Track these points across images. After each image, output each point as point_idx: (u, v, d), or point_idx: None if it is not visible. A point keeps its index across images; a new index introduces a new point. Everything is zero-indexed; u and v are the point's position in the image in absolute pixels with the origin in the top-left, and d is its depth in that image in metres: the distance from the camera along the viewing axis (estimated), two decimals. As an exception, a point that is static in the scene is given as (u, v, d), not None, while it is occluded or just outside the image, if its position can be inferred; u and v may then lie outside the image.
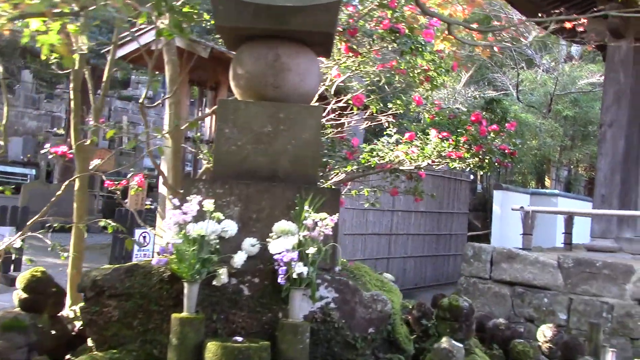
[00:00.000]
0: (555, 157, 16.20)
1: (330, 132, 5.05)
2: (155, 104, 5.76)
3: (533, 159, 15.17)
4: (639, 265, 7.10)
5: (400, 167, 4.99)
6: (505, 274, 7.76)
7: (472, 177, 16.52)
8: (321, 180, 4.57)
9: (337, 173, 4.60)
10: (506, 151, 4.67)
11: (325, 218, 3.08)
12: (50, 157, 4.99)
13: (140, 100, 4.62)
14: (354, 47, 4.41)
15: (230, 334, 3.07)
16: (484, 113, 13.99)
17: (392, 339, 3.36)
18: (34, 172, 19.27)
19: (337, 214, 3.21)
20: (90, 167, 4.60)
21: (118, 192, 4.71)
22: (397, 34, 4.28)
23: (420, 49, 4.29)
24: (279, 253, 2.99)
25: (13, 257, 7.54)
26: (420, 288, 10.75)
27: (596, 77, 17.26)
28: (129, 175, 5.01)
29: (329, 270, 3.27)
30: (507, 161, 4.83)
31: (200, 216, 3.12)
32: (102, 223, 4.12)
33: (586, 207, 17.97)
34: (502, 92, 19.05)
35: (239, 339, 2.94)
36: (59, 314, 3.63)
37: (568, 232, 9.40)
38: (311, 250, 3.02)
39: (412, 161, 4.89)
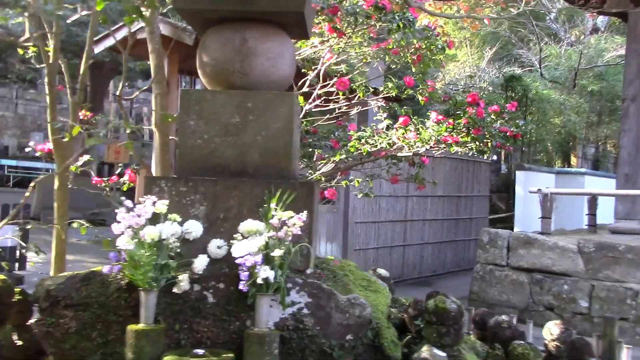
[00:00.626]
0: (582, 134, 15.59)
1: (328, 120, 4.77)
2: (133, 96, 5.49)
3: (558, 137, 14.61)
4: (664, 248, 6.69)
5: (399, 154, 4.68)
6: (522, 260, 7.41)
7: (495, 157, 16.04)
8: (309, 172, 4.29)
9: (326, 163, 4.31)
10: (507, 133, 4.31)
11: (293, 217, 2.80)
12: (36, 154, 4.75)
13: (118, 93, 4.38)
14: (338, 27, 4.09)
15: (194, 344, 2.82)
16: (505, 91, 13.52)
17: (377, 345, 3.07)
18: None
19: (308, 212, 2.93)
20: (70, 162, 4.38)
21: (107, 189, 4.50)
22: (384, 11, 3.94)
23: (408, 27, 3.94)
24: (242, 257, 2.72)
25: (17, 255, 7.44)
26: (439, 275, 10.43)
27: (623, 50, 16.50)
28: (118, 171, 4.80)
29: (301, 272, 3.00)
30: (509, 144, 4.47)
31: (160, 218, 2.88)
32: (74, 224, 3.91)
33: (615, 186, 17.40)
34: (527, 68, 18.45)
35: (200, 351, 2.70)
36: (26, 323, 3.43)
37: (592, 214, 8.98)
38: (277, 252, 2.75)
39: (410, 147, 4.57)
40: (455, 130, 4.25)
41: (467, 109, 4.24)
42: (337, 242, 8.39)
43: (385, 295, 3.45)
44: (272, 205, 2.89)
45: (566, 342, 3.59)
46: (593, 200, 8.87)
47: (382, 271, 4.10)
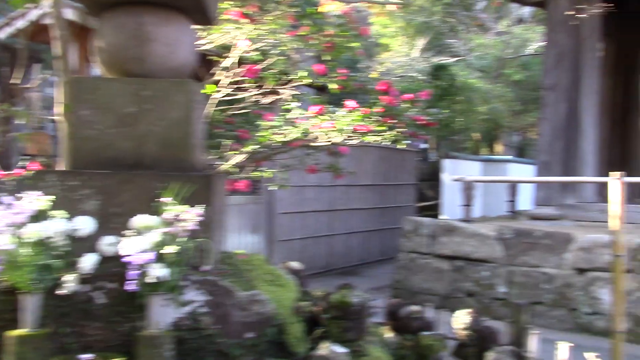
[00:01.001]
0: (506, 123, 15.97)
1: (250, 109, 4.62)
2: (30, 84, 5.20)
3: (484, 126, 14.92)
4: (578, 233, 6.89)
5: (314, 144, 4.59)
6: (444, 248, 7.49)
7: (424, 145, 16.26)
8: (217, 163, 4.14)
9: (238, 153, 4.17)
10: (420, 121, 4.27)
11: (187, 211, 2.66)
12: None
13: (16, 81, 4.11)
14: (248, 12, 3.95)
15: (83, 349, 2.66)
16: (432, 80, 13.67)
17: (281, 341, 2.98)
18: None
19: (208, 205, 2.80)
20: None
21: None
22: (292, -4, 3.83)
23: (316, 13, 3.84)
24: (130, 254, 2.57)
25: None
26: (366, 264, 10.47)
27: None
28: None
29: (199, 269, 2.87)
30: (424, 133, 4.45)
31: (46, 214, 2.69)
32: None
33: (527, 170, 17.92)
34: (457, 58, 18.74)
35: (87, 356, 2.54)
36: None
37: (512, 200, 9.19)
38: (170, 249, 2.61)
39: (326, 136, 4.48)
40: (367, 119, 4.18)
41: (380, 98, 4.18)
42: (261, 233, 8.27)
43: (292, 290, 3.36)
44: (167, 199, 2.74)
45: (475, 330, 3.61)
46: (514, 187, 9.08)
47: (294, 264, 4.01)
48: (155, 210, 2.79)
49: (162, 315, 2.67)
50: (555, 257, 6.78)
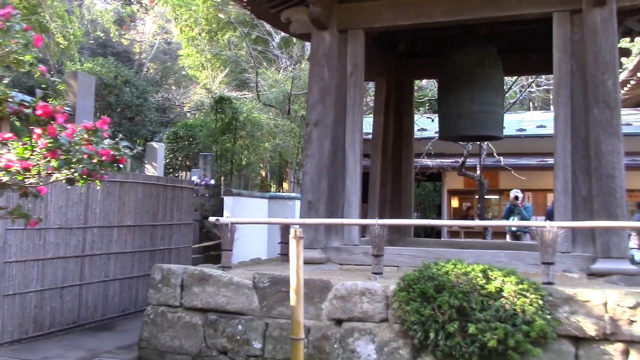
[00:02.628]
0: (293, 159, 15.75)
1: None
2: None
3: (273, 162, 14.51)
4: (337, 279, 6.40)
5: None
6: (197, 300, 6.63)
7: (212, 181, 15.45)
8: None
9: None
10: (103, 157, 3.39)
11: None
12: None
13: None
14: None
15: None
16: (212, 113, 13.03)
17: None
18: None
19: None
20: None
21: None
22: None
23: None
24: None
25: None
26: (129, 314, 9.28)
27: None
28: None
29: None
30: (104, 171, 3.57)
31: None
32: None
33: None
34: (251, 92, 18.34)
35: None
36: None
37: (285, 242, 8.60)
38: None
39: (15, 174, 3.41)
40: (28, 153, 3.21)
41: (48, 126, 3.23)
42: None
43: None
44: None
45: None
46: (286, 227, 8.51)
47: None
48: None
49: None
50: (312, 307, 6.21)
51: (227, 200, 11.85)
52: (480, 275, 5.63)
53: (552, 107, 16.44)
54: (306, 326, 6.18)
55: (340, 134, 7.70)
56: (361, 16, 7.70)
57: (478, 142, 14.61)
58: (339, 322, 6.12)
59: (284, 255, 8.31)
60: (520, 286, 5.50)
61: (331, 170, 7.65)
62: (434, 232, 17.37)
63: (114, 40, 33.30)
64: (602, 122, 6.57)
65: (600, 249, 6.47)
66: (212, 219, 7.19)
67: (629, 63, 19.59)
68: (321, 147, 7.60)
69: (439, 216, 19.02)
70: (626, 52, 9.25)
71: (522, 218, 13.03)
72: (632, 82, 19.15)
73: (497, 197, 18.35)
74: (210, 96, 13.82)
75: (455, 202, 19.23)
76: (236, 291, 6.49)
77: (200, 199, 13.97)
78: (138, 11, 34.83)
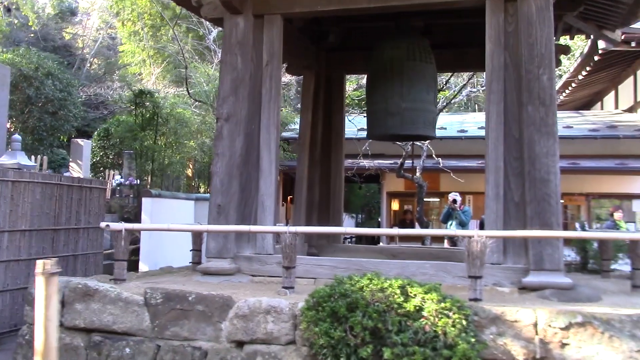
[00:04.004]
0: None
1: None
2: None
3: (201, 161, 13.61)
4: (242, 295, 5.63)
5: None
6: (79, 318, 5.75)
7: (137, 181, 14.46)
8: None
9: None
10: None
11: None
12: None
13: None
14: None
15: None
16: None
17: None
18: None
19: None
20: None
21: None
22: None
23: None
24: None
25: None
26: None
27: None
28: None
29: None
30: None
31: None
32: None
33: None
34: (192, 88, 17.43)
35: None
36: None
37: (197, 249, 7.79)
38: None
39: None
40: None
41: None
42: None
43: None
44: None
45: None
46: (198, 234, 7.70)
47: None
48: None
49: None
50: (211, 328, 5.43)
51: (146, 202, 10.92)
52: (398, 292, 4.94)
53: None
54: (203, 349, 5.40)
55: (255, 130, 6.93)
56: (278, 0, 6.94)
57: (419, 143, 14.07)
58: (240, 344, 5.35)
59: (196, 264, 7.51)
60: (443, 304, 4.84)
61: (243, 171, 6.87)
62: (375, 238, 16.76)
63: (53, 33, 31.93)
64: (536, 120, 5.99)
65: (533, 260, 5.89)
66: (102, 224, 6.32)
67: (570, 64, 19.48)
68: (233, 145, 6.82)
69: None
70: (565, 50, 8.75)
71: (460, 222, 12.55)
72: (574, 85, 19.02)
73: (437, 200, 17.89)
74: (130, 89, 12.83)
75: (395, 205, 18.71)
76: (125, 308, 5.65)
77: (120, 200, 13.00)
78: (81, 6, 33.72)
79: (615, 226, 11.26)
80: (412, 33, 8.08)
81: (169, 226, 6.75)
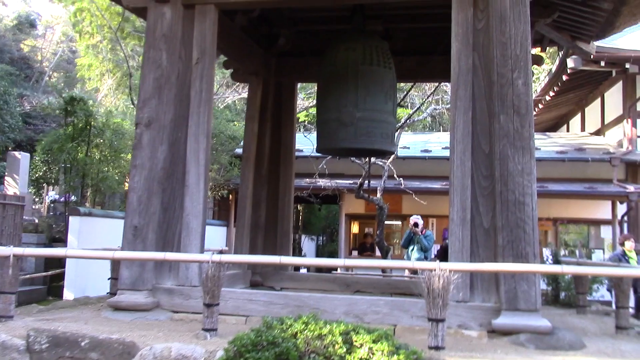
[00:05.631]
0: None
1: None
2: None
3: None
4: (150, 339, 4.54)
5: None
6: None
7: (73, 197, 13.20)
8: None
9: None
10: None
11: None
12: None
13: None
14: None
15: None
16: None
17: None
18: None
19: None
20: None
21: None
22: None
23: None
24: None
25: None
26: None
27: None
28: None
29: None
30: None
31: None
32: None
33: (219, 233, 15.97)
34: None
35: None
36: None
37: (115, 278, 6.66)
38: None
39: None
40: None
41: None
42: None
43: None
44: None
45: None
46: (115, 262, 6.57)
47: None
48: None
49: None
50: (107, 381, 4.31)
51: (73, 222, 9.73)
52: (339, 340, 3.92)
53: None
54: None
55: (181, 139, 5.88)
56: (212, -14, 5.96)
57: (380, 162, 13.13)
58: (141, 402, 4.24)
59: (113, 295, 6.37)
60: (395, 357, 3.84)
61: (167, 186, 5.81)
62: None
63: (11, 45, 30.61)
64: (509, 132, 5.08)
65: (505, 298, 4.94)
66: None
67: (536, 85, 18.92)
68: (154, 155, 5.75)
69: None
70: (538, 60, 7.95)
71: (422, 248, 11.57)
72: (540, 106, 18.43)
73: (399, 223, 16.96)
74: (59, 96, 11.65)
75: (355, 228, 17.72)
76: (0, 355, 4.50)
77: (49, 219, 11.74)
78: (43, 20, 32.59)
79: (624, 257, 9.86)
80: (369, 33, 7.17)
81: (67, 252, 5.62)
